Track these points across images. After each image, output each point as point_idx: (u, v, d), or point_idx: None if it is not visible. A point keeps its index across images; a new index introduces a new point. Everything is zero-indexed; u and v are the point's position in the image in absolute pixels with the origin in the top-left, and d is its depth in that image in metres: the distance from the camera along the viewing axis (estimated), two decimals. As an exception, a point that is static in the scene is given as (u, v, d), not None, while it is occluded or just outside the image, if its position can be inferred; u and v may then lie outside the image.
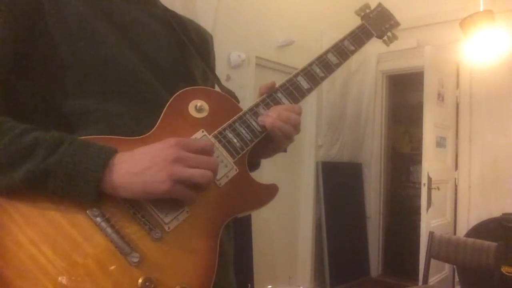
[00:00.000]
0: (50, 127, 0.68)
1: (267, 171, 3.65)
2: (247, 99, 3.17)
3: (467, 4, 3.34)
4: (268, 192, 0.79)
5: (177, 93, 0.76)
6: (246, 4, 3.21)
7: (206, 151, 0.69)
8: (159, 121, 0.74)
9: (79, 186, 0.62)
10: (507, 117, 3.62)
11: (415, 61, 3.84)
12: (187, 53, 0.88)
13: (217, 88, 0.92)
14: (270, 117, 0.79)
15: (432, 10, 3.94)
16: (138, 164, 0.64)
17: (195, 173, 0.65)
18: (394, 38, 1.04)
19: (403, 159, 5.27)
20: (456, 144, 3.89)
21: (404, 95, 5.13)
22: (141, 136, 0.71)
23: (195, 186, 0.66)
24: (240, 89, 3.13)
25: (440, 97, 3.64)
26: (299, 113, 0.82)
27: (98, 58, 0.73)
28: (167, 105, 0.75)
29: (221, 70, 2.92)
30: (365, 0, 1.06)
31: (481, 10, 3.12)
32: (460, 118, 3.90)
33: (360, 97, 4.35)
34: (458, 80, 3.91)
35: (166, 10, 0.91)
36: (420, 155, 3.55)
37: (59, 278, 0.60)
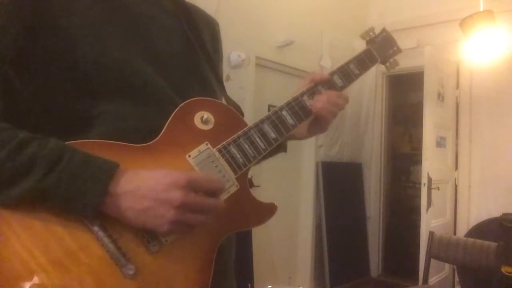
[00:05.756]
0: (52, 129, 0.67)
1: (267, 171, 3.65)
2: (247, 100, 3.17)
3: (467, 4, 3.34)
4: (267, 210, 0.79)
5: (184, 102, 0.75)
6: (246, 4, 3.21)
7: (215, 194, 0.69)
8: (164, 129, 0.72)
9: (77, 208, 0.61)
10: (507, 117, 3.61)
11: (415, 61, 3.83)
12: (197, 49, 0.87)
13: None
14: (320, 101, 0.87)
15: (432, 10, 3.94)
16: (142, 201, 0.63)
17: (196, 221, 0.65)
18: (395, 64, 1.06)
19: (403, 159, 5.27)
20: (456, 144, 3.89)
21: (404, 95, 5.13)
22: (145, 144, 0.70)
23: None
24: (240, 90, 3.13)
25: (440, 97, 3.64)
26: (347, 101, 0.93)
27: (104, 58, 0.71)
28: (173, 114, 0.73)
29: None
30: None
31: (481, 10, 3.12)
32: (460, 118, 3.90)
33: (360, 97, 4.35)
34: (458, 80, 3.90)
35: (176, 3, 0.87)
36: (420, 155, 3.55)
37: (50, 286, 0.59)
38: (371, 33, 1.02)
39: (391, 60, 1.05)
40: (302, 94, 0.87)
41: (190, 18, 0.87)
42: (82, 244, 0.62)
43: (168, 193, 0.63)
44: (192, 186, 0.65)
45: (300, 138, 0.96)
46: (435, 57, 3.56)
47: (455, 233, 3.78)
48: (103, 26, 0.73)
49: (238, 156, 0.76)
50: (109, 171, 0.63)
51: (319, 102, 0.87)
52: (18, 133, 0.63)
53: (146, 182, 0.64)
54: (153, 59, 0.77)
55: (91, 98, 0.70)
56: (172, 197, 0.63)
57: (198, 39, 0.87)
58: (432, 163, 3.44)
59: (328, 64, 3.84)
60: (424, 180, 3.36)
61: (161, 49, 0.80)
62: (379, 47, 1.01)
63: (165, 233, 0.65)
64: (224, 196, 0.73)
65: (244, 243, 2.93)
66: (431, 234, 2.62)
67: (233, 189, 0.75)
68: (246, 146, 0.77)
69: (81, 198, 0.61)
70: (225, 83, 0.93)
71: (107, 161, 0.64)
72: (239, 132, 0.78)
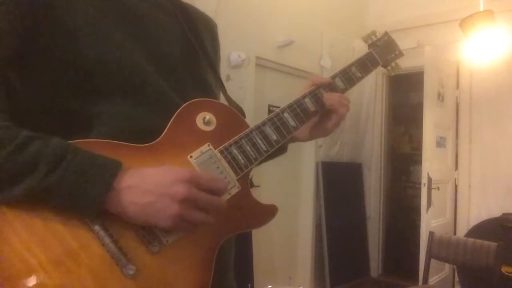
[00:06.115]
0: (53, 128, 0.67)
1: (267, 171, 3.65)
2: (247, 100, 3.16)
3: (467, 4, 3.34)
4: (268, 212, 0.79)
5: (186, 103, 0.75)
6: (246, 4, 3.21)
7: (218, 193, 0.69)
8: (166, 130, 0.72)
9: (80, 206, 0.61)
10: (507, 117, 3.61)
11: (415, 61, 3.83)
12: (197, 50, 0.87)
13: (222, 98, 0.92)
14: (331, 99, 0.89)
15: (432, 10, 3.94)
16: (145, 196, 0.63)
17: (199, 218, 0.66)
18: (397, 68, 1.06)
19: (403, 159, 5.27)
20: (456, 144, 3.89)
21: (404, 95, 5.13)
22: (147, 144, 0.70)
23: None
24: (240, 90, 3.13)
25: (440, 97, 3.64)
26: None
27: (104, 57, 0.71)
28: (175, 114, 0.73)
29: (221, 70, 2.90)
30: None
31: (481, 10, 3.12)
32: (460, 118, 3.90)
33: (360, 97, 4.35)
34: (458, 80, 3.91)
35: (175, 4, 0.88)
36: (420, 155, 3.55)
37: (50, 285, 0.59)
38: (373, 37, 1.03)
39: (393, 64, 1.06)
40: (304, 97, 0.88)
41: (190, 19, 0.88)
42: (83, 243, 0.62)
43: (172, 188, 0.63)
44: (195, 182, 0.65)
45: (301, 140, 0.96)
46: (435, 57, 3.56)
47: (455, 233, 3.78)
48: (104, 26, 0.73)
49: (240, 157, 0.76)
50: (113, 170, 0.63)
51: (331, 100, 0.89)
52: (20, 132, 0.63)
53: (150, 178, 0.65)
54: (153, 59, 0.77)
55: (92, 98, 0.70)
56: (175, 191, 0.63)
57: (198, 39, 0.87)
58: (432, 163, 3.44)
59: (328, 64, 3.84)
60: (424, 180, 3.37)
61: (161, 50, 0.80)
62: (381, 50, 1.02)
63: (168, 228, 0.65)
64: (225, 197, 0.73)
65: (244, 243, 2.93)
66: (431, 234, 2.62)
67: (234, 190, 0.75)
68: (248, 148, 0.78)
69: (84, 197, 0.61)
70: (225, 83, 0.93)
71: (110, 159, 0.64)
72: (241, 134, 0.78)
